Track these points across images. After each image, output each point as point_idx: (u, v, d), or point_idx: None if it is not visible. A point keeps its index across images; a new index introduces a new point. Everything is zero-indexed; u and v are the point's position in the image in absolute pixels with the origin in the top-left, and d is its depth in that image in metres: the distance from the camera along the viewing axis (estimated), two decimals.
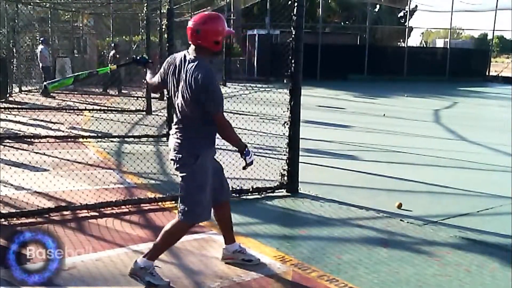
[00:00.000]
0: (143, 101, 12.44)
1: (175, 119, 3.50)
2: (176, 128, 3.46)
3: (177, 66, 3.41)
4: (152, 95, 12.66)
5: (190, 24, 3.37)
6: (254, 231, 4.63)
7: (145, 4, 13.04)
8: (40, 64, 16.14)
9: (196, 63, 3.32)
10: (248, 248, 4.09)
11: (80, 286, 3.42)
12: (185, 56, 3.41)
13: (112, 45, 19.20)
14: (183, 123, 3.42)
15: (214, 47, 3.37)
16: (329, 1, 33.98)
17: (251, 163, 3.51)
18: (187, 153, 3.40)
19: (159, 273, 3.51)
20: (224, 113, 3.40)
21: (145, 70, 3.90)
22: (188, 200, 3.45)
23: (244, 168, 3.55)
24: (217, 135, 3.49)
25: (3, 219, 4.53)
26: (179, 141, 3.43)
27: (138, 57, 3.99)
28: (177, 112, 3.43)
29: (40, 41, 16.57)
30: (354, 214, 5.17)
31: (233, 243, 3.86)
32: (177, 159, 3.43)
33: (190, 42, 3.40)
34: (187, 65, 3.34)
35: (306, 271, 3.76)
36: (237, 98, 13.11)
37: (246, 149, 3.49)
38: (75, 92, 16.93)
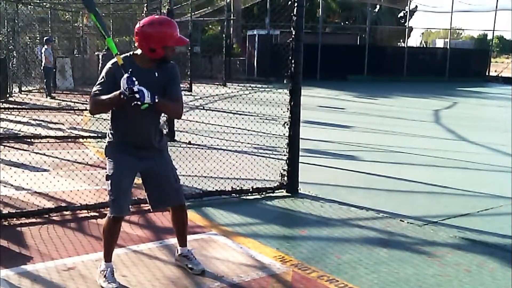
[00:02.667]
0: None
1: None
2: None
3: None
4: None
5: (138, 23, 3.32)
6: (254, 231, 4.63)
7: (145, 4, 13.04)
8: (43, 65, 15.88)
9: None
10: (245, 247, 4.08)
11: (80, 286, 3.42)
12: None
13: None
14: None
15: (149, 53, 3.24)
16: (329, 2, 33.99)
17: (130, 90, 3.04)
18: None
19: (156, 271, 3.50)
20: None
21: None
22: (108, 192, 3.44)
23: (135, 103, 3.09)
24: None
25: (3, 219, 4.53)
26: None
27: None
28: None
29: (44, 41, 16.37)
30: (354, 214, 5.17)
31: (183, 247, 3.75)
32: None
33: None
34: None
35: (306, 271, 3.76)
36: (237, 98, 13.11)
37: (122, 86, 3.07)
38: (75, 92, 16.96)
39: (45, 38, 16.85)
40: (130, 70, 3.11)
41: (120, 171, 3.38)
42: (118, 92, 3.13)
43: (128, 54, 3.38)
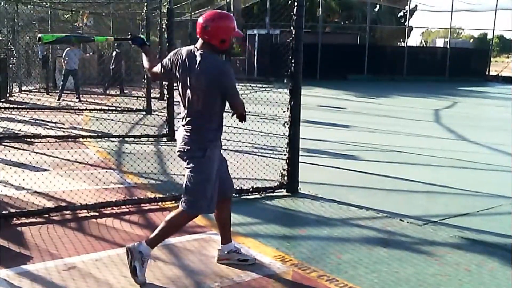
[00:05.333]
0: (143, 101, 12.45)
1: (183, 112, 3.55)
2: (185, 120, 3.52)
3: (186, 60, 3.47)
4: (152, 95, 12.67)
5: (201, 20, 3.48)
6: (254, 231, 4.63)
7: (145, 4, 13.05)
8: (64, 68, 15.50)
9: (209, 56, 3.43)
10: (245, 247, 4.09)
11: (80, 285, 3.43)
12: (192, 51, 3.49)
13: (116, 44, 19.17)
14: (192, 116, 3.48)
15: (220, 45, 3.45)
16: (329, 1, 33.98)
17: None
18: (195, 145, 3.46)
19: (156, 271, 3.51)
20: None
21: (142, 53, 3.94)
22: (194, 191, 3.48)
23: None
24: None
25: (3, 219, 4.53)
26: (188, 133, 3.49)
27: (136, 36, 4.04)
28: (187, 104, 3.49)
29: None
30: (354, 214, 5.18)
31: (229, 243, 3.84)
32: (185, 150, 3.49)
33: (198, 37, 3.50)
34: (199, 58, 3.43)
35: (306, 271, 3.76)
36: None
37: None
38: (76, 92, 16.91)
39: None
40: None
41: (216, 170, 3.52)
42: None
43: (212, 53, 3.48)
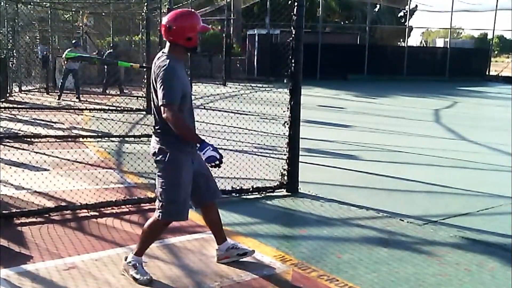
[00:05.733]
0: (143, 101, 12.44)
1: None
2: (153, 125, 3.53)
3: (153, 66, 3.47)
4: None
5: (164, 21, 3.44)
6: (254, 231, 4.63)
7: (145, 4, 13.04)
8: (64, 67, 15.48)
9: (163, 59, 3.39)
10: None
11: (80, 285, 3.43)
12: (158, 56, 3.48)
13: (111, 45, 19.19)
14: (156, 120, 3.48)
15: (186, 43, 3.41)
16: (329, 1, 33.99)
17: (212, 159, 3.25)
18: (159, 149, 3.45)
19: (156, 271, 3.51)
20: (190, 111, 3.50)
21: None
22: (162, 197, 3.48)
23: (212, 166, 3.33)
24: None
25: (3, 219, 4.53)
26: (154, 137, 3.51)
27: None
28: (153, 108, 3.50)
29: (73, 43, 16.12)
30: (354, 213, 5.17)
31: (225, 242, 3.84)
32: (153, 154, 3.51)
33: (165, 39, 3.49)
34: (158, 62, 3.42)
35: (306, 270, 3.76)
36: (237, 98, 13.13)
37: (202, 143, 3.28)
38: (76, 92, 16.91)
39: (73, 41, 16.71)
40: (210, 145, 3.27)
41: (188, 176, 3.47)
42: (200, 141, 3.29)
43: (166, 53, 3.41)
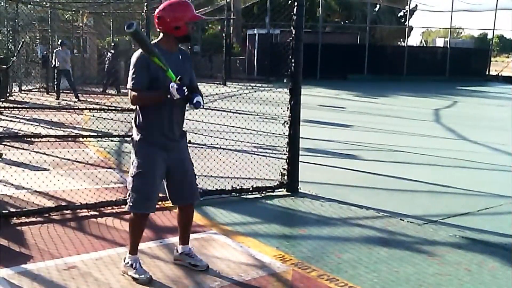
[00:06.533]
0: None
1: None
2: None
3: None
4: None
5: (156, 12, 3.47)
6: (254, 231, 4.63)
7: (145, 4, 13.05)
8: (57, 67, 15.34)
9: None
10: (245, 246, 4.09)
11: (81, 285, 3.42)
12: None
13: (112, 44, 19.19)
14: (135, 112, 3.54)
15: (176, 32, 3.42)
16: (329, 1, 33.99)
17: (197, 105, 3.36)
18: (132, 139, 3.53)
19: (156, 271, 3.50)
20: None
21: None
22: (129, 187, 3.48)
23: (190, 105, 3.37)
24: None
25: (3, 218, 4.53)
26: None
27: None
28: None
29: (59, 43, 15.99)
30: (354, 213, 5.17)
31: (185, 245, 3.78)
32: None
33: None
34: None
35: (306, 270, 3.76)
36: (237, 98, 13.12)
37: (170, 86, 3.24)
38: (73, 93, 16.93)
39: (60, 40, 16.59)
40: (179, 77, 3.25)
41: (155, 168, 3.43)
42: (162, 92, 3.28)
43: (153, 42, 3.45)
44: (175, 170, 3.54)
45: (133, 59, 3.38)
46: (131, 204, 3.48)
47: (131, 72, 3.37)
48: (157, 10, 3.46)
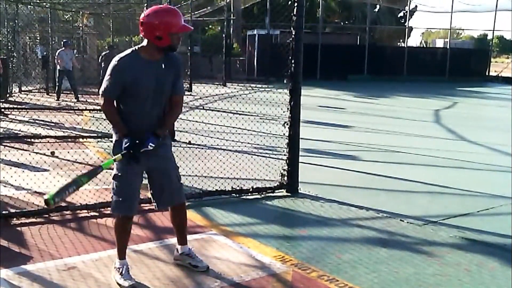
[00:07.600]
0: None
1: None
2: None
3: None
4: None
5: (141, 15, 3.38)
6: (254, 231, 4.63)
7: (145, 4, 13.04)
8: (58, 67, 15.31)
9: (124, 52, 3.39)
10: (245, 247, 4.09)
11: (81, 285, 3.42)
12: None
13: (106, 47, 19.15)
14: None
15: (156, 42, 3.27)
16: (329, 1, 33.99)
17: (127, 149, 3.26)
18: (114, 141, 3.50)
19: (156, 271, 3.50)
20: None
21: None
22: (111, 189, 3.47)
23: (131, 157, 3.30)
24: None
25: (3, 219, 4.53)
26: None
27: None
28: None
29: (62, 44, 15.93)
30: (354, 214, 5.17)
31: (184, 246, 3.76)
32: None
33: None
34: None
35: (306, 271, 3.76)
36: (237, 98, 13.11)
37: (123, 138, 3.28)
38: (73, 93, 16.93)
39: (63, 40, 16.55)
40: (151, 144, 3.29)
41: (132, 170, 3.39)
42: (121, 132, 3.32)
43: (132, 49, 3.40)
44: (154, 170, 3.50)
45: (111, 65, 3.31)
46: (112, 205, 3.48)
47: (106, 77, 3.33)
48: (142, 15, 3.34)
